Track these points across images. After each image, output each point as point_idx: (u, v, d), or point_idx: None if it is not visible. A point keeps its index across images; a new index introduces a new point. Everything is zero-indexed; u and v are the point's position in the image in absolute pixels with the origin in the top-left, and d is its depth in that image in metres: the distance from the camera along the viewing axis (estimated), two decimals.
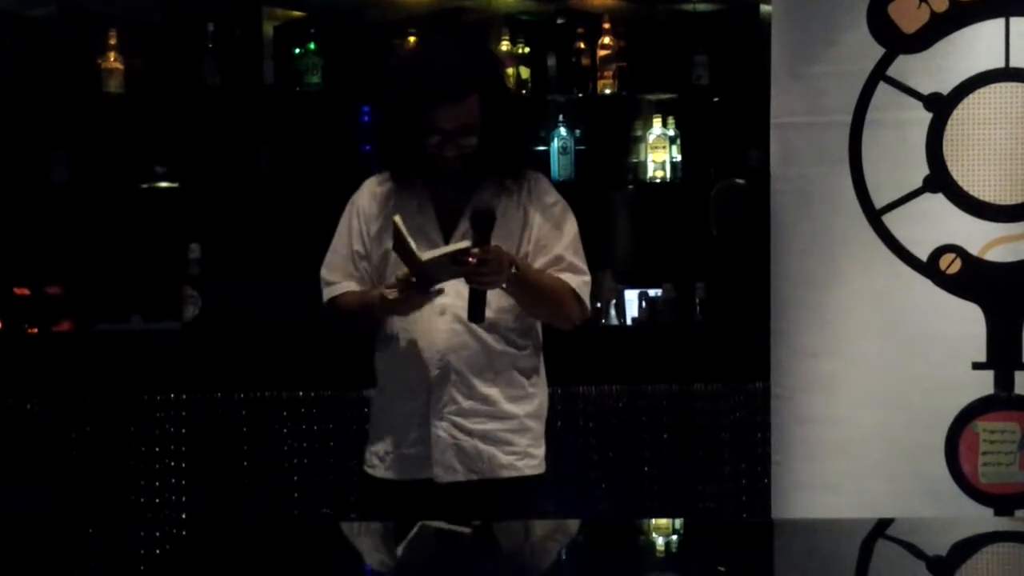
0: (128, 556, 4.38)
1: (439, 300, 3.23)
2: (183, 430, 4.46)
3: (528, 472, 3.33)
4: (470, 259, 3.10)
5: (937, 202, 3.63)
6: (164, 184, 5.48)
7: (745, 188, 5.36)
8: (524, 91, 5.58)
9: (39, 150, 5.43)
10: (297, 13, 5.71)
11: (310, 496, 4.49)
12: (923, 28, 3.63)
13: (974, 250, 3.61)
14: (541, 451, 3.37)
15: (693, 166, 5.77)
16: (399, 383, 3.34)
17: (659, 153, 5.73)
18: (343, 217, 3.42)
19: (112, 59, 5.41)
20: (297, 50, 5.59)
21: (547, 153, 5.67)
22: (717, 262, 5.31)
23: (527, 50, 5.68)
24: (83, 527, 4.41)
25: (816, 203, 3.73)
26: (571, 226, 3.38)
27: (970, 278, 3.61)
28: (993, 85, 3.60)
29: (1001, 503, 3.61)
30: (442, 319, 3.28)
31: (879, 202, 3.66)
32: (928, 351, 3.63)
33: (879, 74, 3.65)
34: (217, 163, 5.55)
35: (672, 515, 4.53)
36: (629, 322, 5.44)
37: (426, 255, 3.10)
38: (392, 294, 3.20)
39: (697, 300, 5.35)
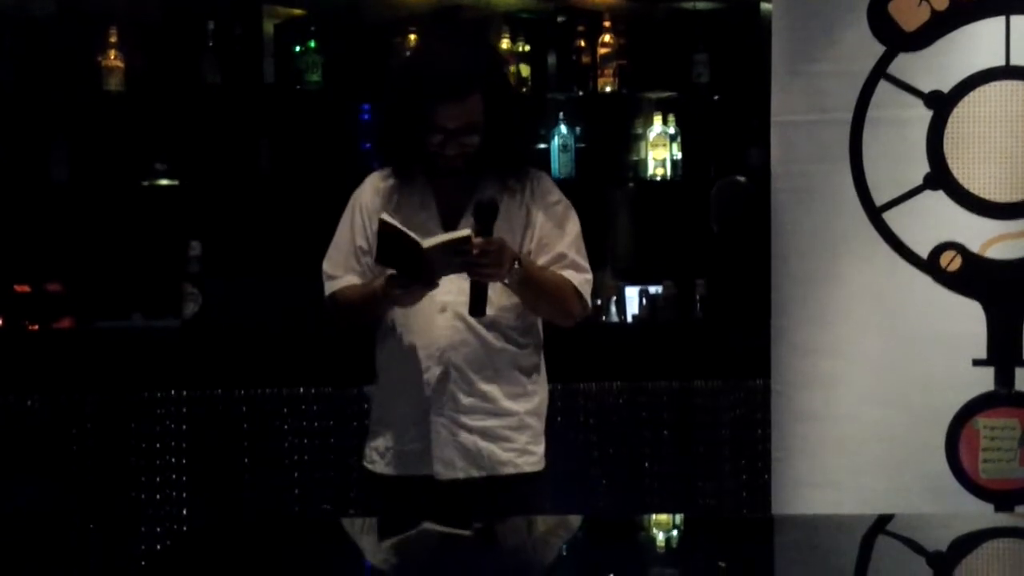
0: (129, 553, 4.38)
1: (440, 297, 3.23)
2: (183, 427, 4.46)
3: (527, 469, 3.33)
4: (472, 249, 3.10)
5: (937, 199, 3.63)
6: (164, 182, 5.47)
7: (746, 186, 5.36)
8: (524, 89, 5.58)
9: (39, 147, 5.43)
10: (297, 11, 5.70)
11: (310, 492, 4.49)
12: (923, 26, 3.64)
13: (974, 247, 3.61)
14: (541, 448, 3.37)
15: (693, 164, 5.76)
16: (399, 380, 3.34)
17: (659, 151, 5.73)
18: (346, 212, 3.42)
19: (112, 57, 5.40)
20: (297, 48, 5.58)
21: (547, 151, 5.67)
22: (717, 259, 5.31)
23: (527, 48, 5.68)
24: (84, 524, 4.41)
25: (817, 201, 3.73)
26: (573, 225, 3.38)
27: (970, 275, 3.61)
28: (993, 83, 3.61)
29: (1001, 499, 3.62)
30: (443, 316, 3.28)
31: (879, 200, 3.67)
32: (929, 348, 3.63)
33: (880, 72, 3.66)
34: (217, 161, 5.54)
35: (672, 511, 4.52)
36: (629, 319, 5.44)
37: (427, 242, 3.10)
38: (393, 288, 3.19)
39: (697, 297, 5.36)
